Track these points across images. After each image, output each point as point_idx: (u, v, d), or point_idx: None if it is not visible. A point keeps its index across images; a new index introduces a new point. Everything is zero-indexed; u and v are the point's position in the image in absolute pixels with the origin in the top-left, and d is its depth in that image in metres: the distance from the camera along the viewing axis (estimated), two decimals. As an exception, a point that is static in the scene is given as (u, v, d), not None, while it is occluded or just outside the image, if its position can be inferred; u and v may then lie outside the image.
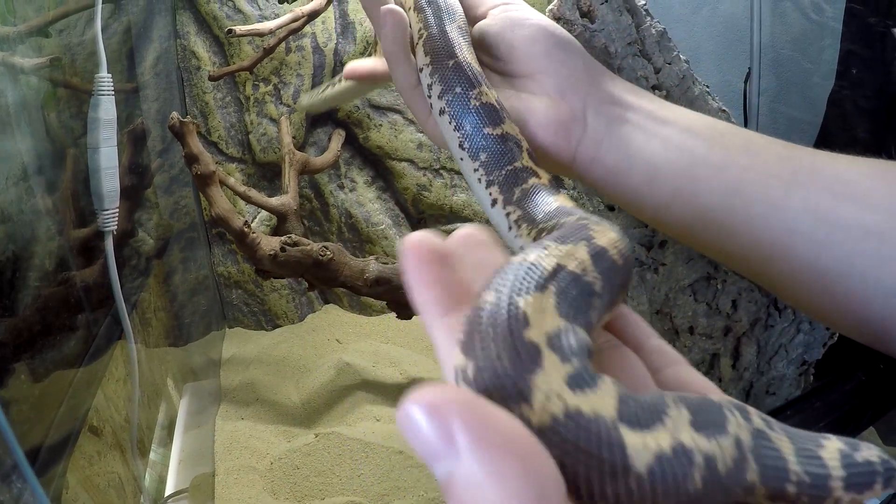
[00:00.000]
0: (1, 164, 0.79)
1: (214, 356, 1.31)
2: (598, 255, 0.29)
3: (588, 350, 0.24)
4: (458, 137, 0.48)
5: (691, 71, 0.80)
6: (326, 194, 1.39)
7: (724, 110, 0.82)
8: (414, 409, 0.20)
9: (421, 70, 0.51)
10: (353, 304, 1.42)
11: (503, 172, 0.45)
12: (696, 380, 0.31)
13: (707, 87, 0.82)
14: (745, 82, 1.49)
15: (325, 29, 1.33)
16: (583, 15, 0.72)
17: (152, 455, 1.06)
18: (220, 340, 1.36)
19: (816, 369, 0.98)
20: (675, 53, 0.78)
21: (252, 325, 1.41)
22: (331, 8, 1.29)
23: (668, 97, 0.74)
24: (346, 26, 1.34)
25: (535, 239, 0.40)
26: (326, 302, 1.45)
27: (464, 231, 0.30)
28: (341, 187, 1.39)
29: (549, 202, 0.42)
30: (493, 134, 0.46)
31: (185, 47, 1.30)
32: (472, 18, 0.56)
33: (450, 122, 0.49)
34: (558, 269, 0.26)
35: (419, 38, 0.52)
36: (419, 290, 0.27)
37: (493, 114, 0.47)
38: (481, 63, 0.52)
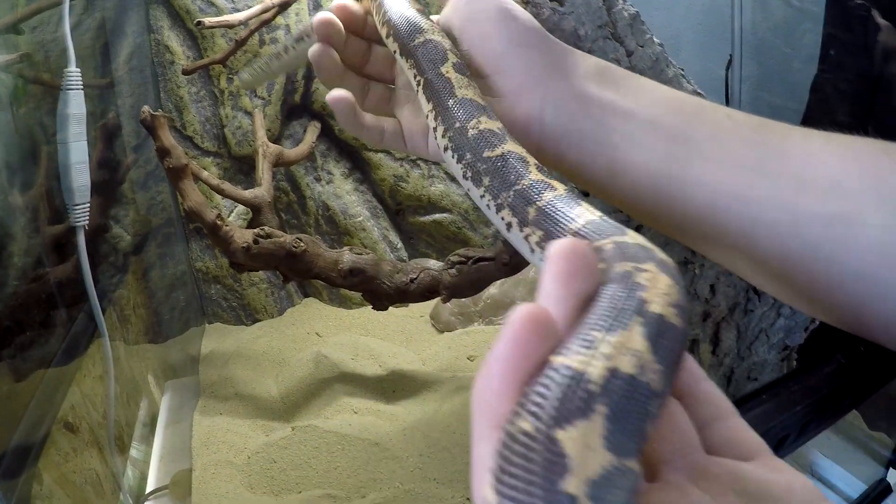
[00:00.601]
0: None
1: (194, 352, 1.30)
2: (657, 331, 0.25)
3: (635, 491, 0.21)
4: (462, 168, 0.47)
5: (665, 54, 0.79)
6: (303, 187, 1.37)
7: (699, 93, 0.81)
8: None
9: (427, 116, 0.50)
10: (332, 297, 1.41)
11: (511, 193, 0.43)
12: (746, 437, 0.30)
13: (682, 70, 0.81)
14: (727, 69, 1.49)
15: (300, 20, 1.32)
16: (551, -3, 0.71)
17: (134, 452, 1.05)
18: (200, 336, 1.35)
19: (800, 355, 0.97)
20: (648, 36, 0.78)
21: (231, 320, 1.39)
22: (304, -2, 1.28)
23: (641, 80, 0.73)
24: (320, 17, 1.32)
25: None
26: (306, 295, 1.44)
27: (563, 247, 0.27)
28: (318, 179, 1.38)
29: (572, 217, 0.39)
30: (492, 156, 0.45)
31: (158, 42, 1.29)
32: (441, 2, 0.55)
33: (452, 156, 0.47)
34: (610, 378, 0.23)
35: (417, 86, 0.51)
36: (489, 387, 0.24)
37: (491, 137, 0.46)
38: None
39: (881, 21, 1.17)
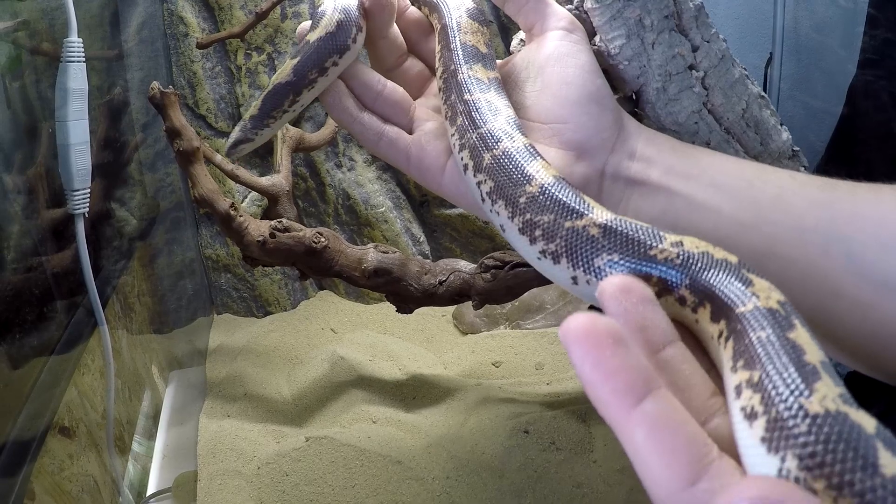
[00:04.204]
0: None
1: (201, 344, 1.24)
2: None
3: None
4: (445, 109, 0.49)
5: (730, 52, 0.72)
6: (323, 173, 1.30)
7: (763, 96, 0.75)
8: None
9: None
10: (349, 291, 1.35)
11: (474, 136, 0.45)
12: None
13: (745, 69, 0.74)
14: (766, 67, 1.44)
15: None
16: (616, -19, 0.64)
17: (136, 446, 1.00)
18: (208, 327, 1.30)
19: (847, 381, 0.91)
20: (714, 31, 0.71)
21: (241, 312, 1.34)
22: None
23: (706, 79, 0.66)
24: (346, -8, 1.25)
25: None
26: (321, 288, 1.38)
27: (616, 282, 0.28)
28: (339, 166, 1.30)
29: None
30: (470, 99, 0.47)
31: (172, 12, 1.22)
32: (527, 29, 0.54)
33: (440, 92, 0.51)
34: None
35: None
36: (602, 383, 0.25)
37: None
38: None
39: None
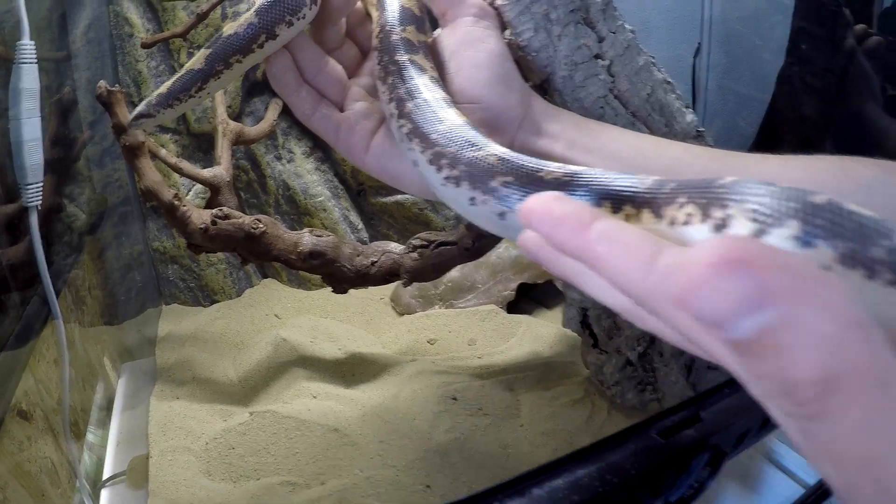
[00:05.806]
0: None
1: (150, 334, 1.28)
2: None
3: None
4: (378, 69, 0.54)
5: (636, 41, 0.78)
6: (263, 165, 1.35)
7: (668, 81, 0.81)
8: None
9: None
10: (291, 278, 1.40)
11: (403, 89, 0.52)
12: None
13: (653, 57, 0.80)
14: (695, 57, 1.49)
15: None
16: (521, -21, 0.70)
17: (90, 437, 1.03)
18: (157, 318, 1.33)
19: None
20: (621, 23, 0.76)
21: (189, 301, 1.37)
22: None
23: (611, 67, 0.72)
24: (283, -8, 1.30)
25: None
26: (265, 276, 1.42)
27: (526, 204, 0.30)
28: (278, 158, 1.35)
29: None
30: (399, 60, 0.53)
31: (117, 13, 1.26)
32: (441, 15, 0.58)
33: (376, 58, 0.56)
34: None
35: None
36: (559, 228, 0.28)
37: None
38: None
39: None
